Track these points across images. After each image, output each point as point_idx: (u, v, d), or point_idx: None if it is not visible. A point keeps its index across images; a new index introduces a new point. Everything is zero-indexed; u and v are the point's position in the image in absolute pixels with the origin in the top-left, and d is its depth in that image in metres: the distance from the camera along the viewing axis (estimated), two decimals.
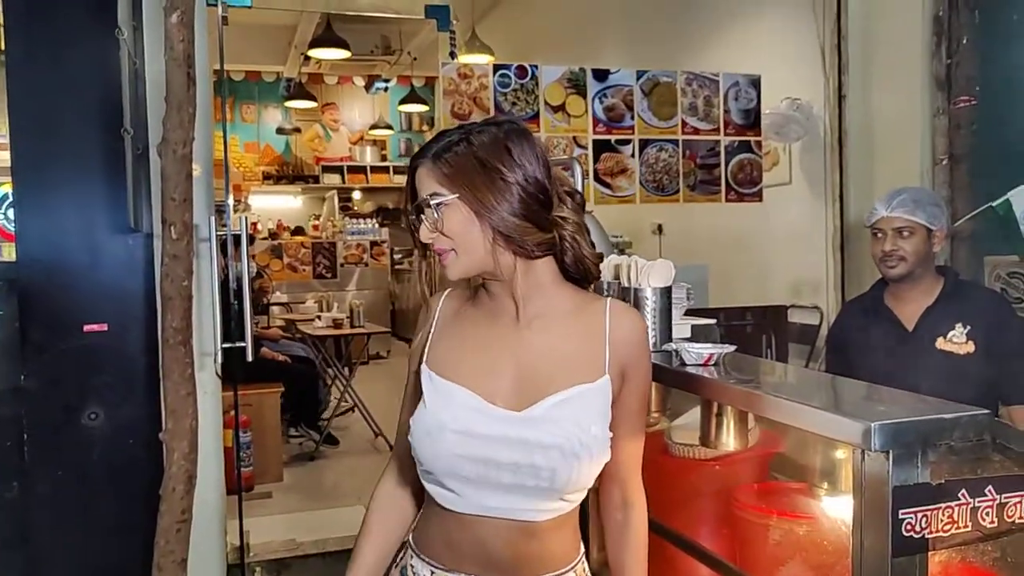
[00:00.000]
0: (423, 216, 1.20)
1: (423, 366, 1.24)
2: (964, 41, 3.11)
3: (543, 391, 1.17)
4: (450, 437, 1.16)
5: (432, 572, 1.24)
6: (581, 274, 1.25)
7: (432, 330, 1.28)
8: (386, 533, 1.33)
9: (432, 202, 1.18)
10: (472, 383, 1.19)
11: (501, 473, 1.15)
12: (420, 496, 1.32)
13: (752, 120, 3.82)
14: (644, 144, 3.67)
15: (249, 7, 2.94)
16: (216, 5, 2.70)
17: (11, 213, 5.07)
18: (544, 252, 1.20)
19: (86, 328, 2.46)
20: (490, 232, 1.17)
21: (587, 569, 1.30)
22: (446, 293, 1.31)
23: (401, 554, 1.32)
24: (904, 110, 3.34)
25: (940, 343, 2.21)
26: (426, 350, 1.26)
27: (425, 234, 1.20)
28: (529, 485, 1.15)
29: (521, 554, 1.19)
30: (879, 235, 2.28)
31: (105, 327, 2.48)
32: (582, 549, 1.29)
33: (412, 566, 1.27)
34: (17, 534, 2.43)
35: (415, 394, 1.26)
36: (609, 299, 1.27)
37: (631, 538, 1.28)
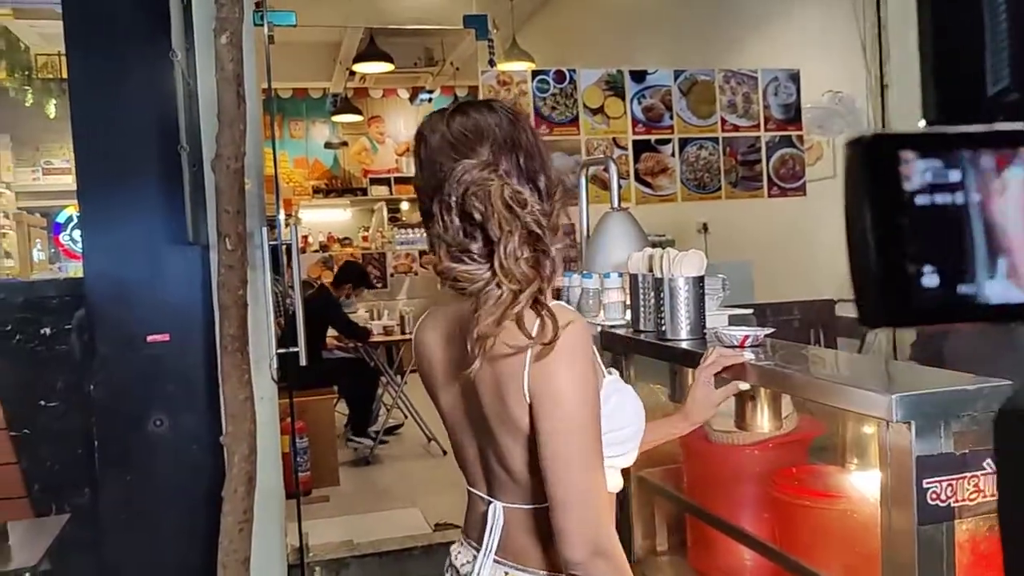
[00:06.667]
0: None
1: None
2: None
3: None
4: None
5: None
6: None
7: None
8: None
9: None
10: None
11: None
12: None
13: (793, 114, 3.81)
14: (684, 143, 3.70)
15: (294, 25, 3.05)
16: (263, 25, 2.81)
17: (76, 234, 5.28)
18: None
19: (149, 339, 2.57)
20: None
21: None
22: None
23: None
24: None
25: None
26: None
27: None
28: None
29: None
30: None
31: (167, 337, 2.59)
32: None
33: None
34: (90, 538, 2.54)
35: None
36: None
37: None
